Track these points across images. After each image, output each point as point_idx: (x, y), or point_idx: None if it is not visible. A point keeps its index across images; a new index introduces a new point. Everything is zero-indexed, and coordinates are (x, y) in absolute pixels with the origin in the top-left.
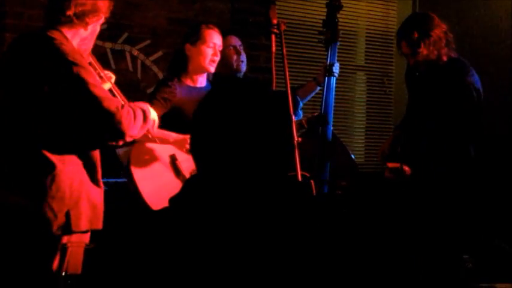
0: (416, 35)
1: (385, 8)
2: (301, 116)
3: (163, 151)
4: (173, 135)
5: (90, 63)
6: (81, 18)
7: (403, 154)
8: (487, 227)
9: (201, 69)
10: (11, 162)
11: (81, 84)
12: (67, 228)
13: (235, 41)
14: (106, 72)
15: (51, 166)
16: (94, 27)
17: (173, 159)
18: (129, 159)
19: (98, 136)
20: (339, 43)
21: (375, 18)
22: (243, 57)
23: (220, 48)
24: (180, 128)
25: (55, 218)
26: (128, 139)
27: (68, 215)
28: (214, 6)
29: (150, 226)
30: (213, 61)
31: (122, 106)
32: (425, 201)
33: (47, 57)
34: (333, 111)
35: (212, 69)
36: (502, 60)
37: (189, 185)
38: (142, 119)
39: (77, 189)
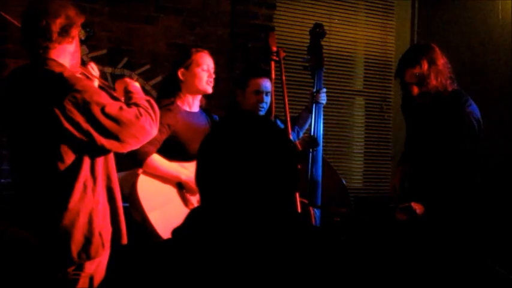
0: (425, 65)
1: (384, 34)
2: None
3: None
4: (184, 173)
5: (81, 73)
6: (65, 35)
7: (412, 189)
8: (489, 255)
9: (199, 91)
10: (34, 198)
11: (98, 109)
12: (102, 246)
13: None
14: (91, 65)
15: (76, 192)
16: (77, 38)
17: (180, 187)
18: (136, 190)
19: (124, 147)
20: (324, 69)
21: (373, 44)
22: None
23: (213, 70)
24: (177, 153)
25: (91, 243)
26: (152, 136)
27: (100, 235)
28: (213, 32)
29: (153, 257)
30: (210, 82)
31: (140, 112)
32: (436, 233)
33: (57, 94)
34: (322, 138)
35: (210, 90)
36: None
37: (193, 216)
38: (152, 110)
39: (103, 210)
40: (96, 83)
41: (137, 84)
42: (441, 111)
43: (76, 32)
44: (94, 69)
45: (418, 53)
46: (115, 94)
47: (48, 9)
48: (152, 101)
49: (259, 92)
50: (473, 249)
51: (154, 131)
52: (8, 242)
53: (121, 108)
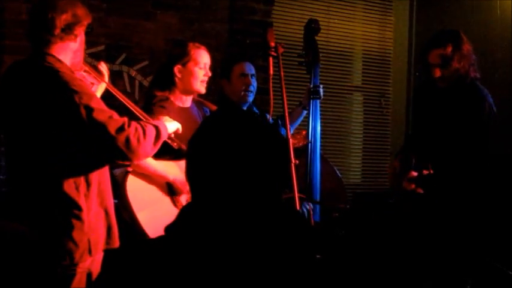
0: (450, 48)
1: (382, 29)
2: None
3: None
4: (172, 173)
5: (85, 71)
6: (68, 32)
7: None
8: (489, 247)
9: (192, 91)
10: (26, 196)
11: (84, 113)
12: (89, 253)
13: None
14: (101, 66)
15: (70, 201)
16: (82, 37)
17: (169, 187)
18: (125, 190)
19: (107, 158)
20: (320, 65)
21: (372, 40)
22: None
23: (209, 67)
24: (170, 150)
25: (77, 248)
26: (142, 157)
27: (88, 241)
28: (212, 28)
29: (145, 253)
30: (204, 81)
31: (129, 124)
32: (443, 217)
33: (49, 90)
34: (319, 134)
35: (203, 90)
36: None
37: (184, 213)
38: (154, 135)
39: (95, 215)
40: (103, 85)
41: (169, 124)
42: (462, 97)
43: (81, 31)
44: (103, 70)
45: (444, 36)
46: (123, 99)
47: (56, 4)
48: (160, 128)
49: (244, 75)
50: (478, 243)
51: (143, 149)
52: (9, 237)
53: (110, 117)
